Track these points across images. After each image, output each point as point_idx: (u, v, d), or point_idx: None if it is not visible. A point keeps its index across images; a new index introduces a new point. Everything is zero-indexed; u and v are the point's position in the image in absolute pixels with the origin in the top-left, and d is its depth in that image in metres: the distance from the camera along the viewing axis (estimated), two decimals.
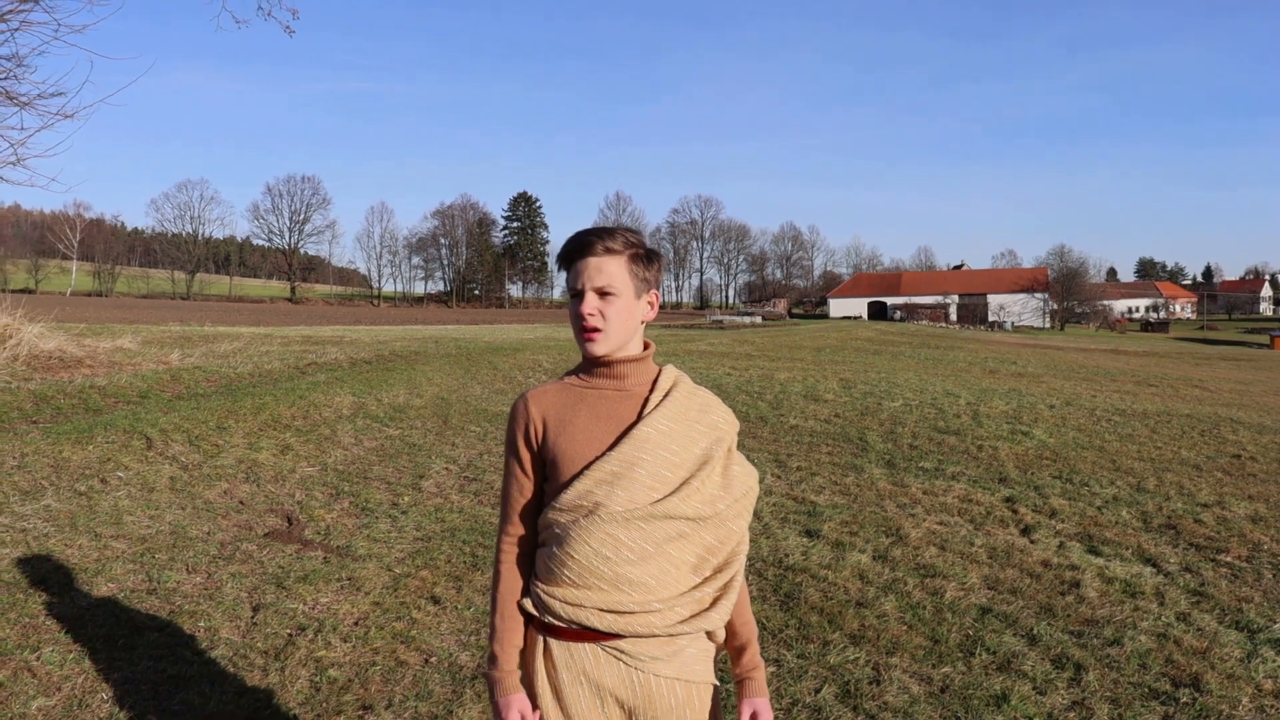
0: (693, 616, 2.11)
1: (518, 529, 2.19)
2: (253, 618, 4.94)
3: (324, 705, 4.05)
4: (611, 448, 2.10)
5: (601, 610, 2.06)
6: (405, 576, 5.62)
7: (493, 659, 2.14)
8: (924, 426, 11.44)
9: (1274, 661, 4.62)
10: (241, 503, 7.07)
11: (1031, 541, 6.59)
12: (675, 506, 2.08)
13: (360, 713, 4.01)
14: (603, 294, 2.12)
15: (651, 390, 2.19)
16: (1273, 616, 5.24)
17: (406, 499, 7.40)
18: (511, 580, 2.17)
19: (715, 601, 2.14)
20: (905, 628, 4.97)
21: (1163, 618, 5.18)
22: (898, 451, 9.84)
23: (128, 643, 4.54)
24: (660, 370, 2.24)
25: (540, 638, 2.14)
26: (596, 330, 2.12)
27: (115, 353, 14.19)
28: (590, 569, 2.06)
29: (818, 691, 4.22)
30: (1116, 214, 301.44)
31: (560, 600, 2.08)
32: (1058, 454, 9.89)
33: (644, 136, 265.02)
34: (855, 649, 4.68)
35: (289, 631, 4.78)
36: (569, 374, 2.25)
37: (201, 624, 4.82)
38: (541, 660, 2.13)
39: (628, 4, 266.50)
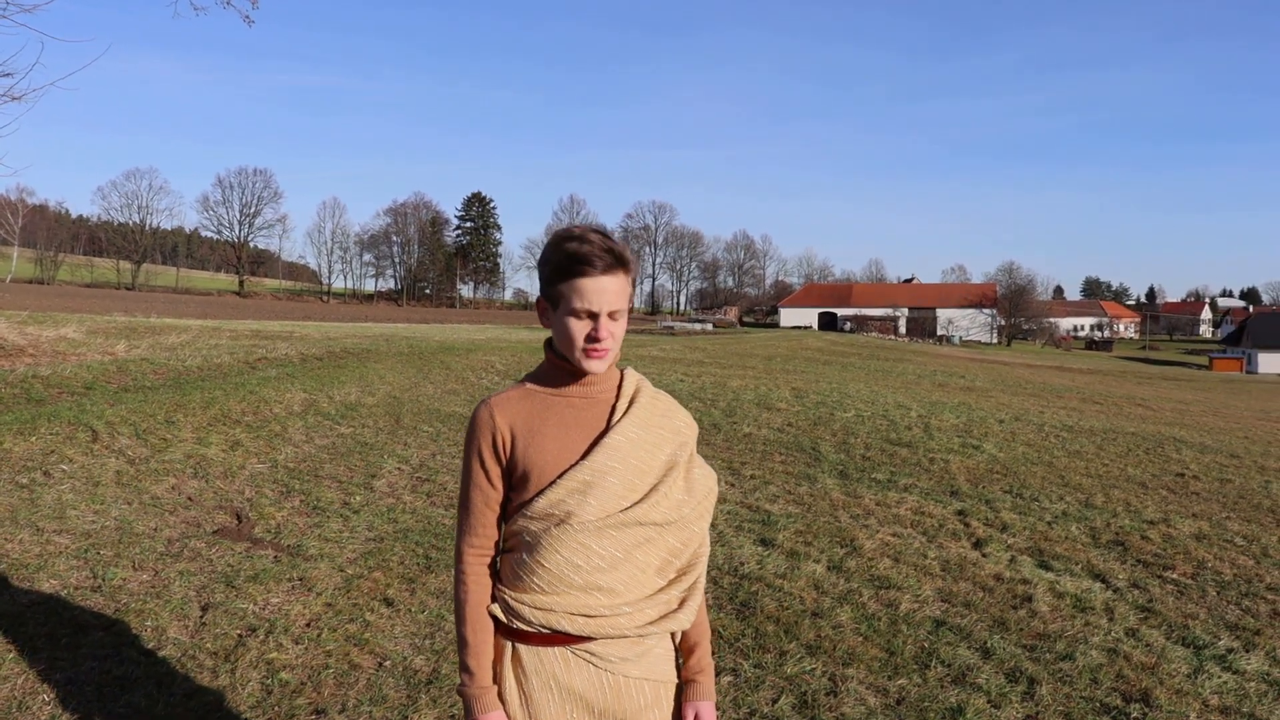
0: (661, 618, 2.13)
1: (482, 539, 2.15)
2: (201, 617, 4.84)
3: (276, 709, 3.97)
4: (584, 457, 2.09)
5: (572, 614, 2.06)
6: (358, 577, 5.53)
7: (468, 673, 2.10)
8: (876, 438, 11.53)
9: (1220, 678, 4.70)
10: (190, 499, 6.93)
11: (984, 555, 6.65)
12: (644, 513, 2.09)
13: (313, 717, 3.93)
14: (612, 315, 2.08)
15: (617, 397, 2.18)
16: (1217, 634, 5.32)
17: (358, 498, 7.30)
18: (480, 592, 2.13)
19: (682, 603, 2.16)
20: (861, 639, 4.99)
21: (1112, 633, 5.25)
22: (850, 462, 9.90)
23: (71, 642, 4.43)
24: (622, 375, 2.23)
25: (508, 644, 2.12)
26: (606, 351, 2.10)
27: (59, 342, 13.87)
28: (561, 577, 2.06)
29: (775, 702, 4.22)
30: (1065, 233, 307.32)
31: (530, 605, 2.07)
32: (1008, 468, 10.01)
33: (600, 140, 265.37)
34: (812, 659, 4.69)
35: (239, 632, 4.68)
36: (529, 379, 2.21)
37: (148, 623, 4.71)
38: (510, 666, 2.12)
39: (587, 8, 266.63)
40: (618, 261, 2.05)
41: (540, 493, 2.07)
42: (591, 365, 2.10)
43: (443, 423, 10.72)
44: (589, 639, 2.09)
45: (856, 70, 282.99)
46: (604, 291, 2.04)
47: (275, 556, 5.83)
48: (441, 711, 4.00)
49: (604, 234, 2.08)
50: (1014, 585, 5.99)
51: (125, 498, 6.76)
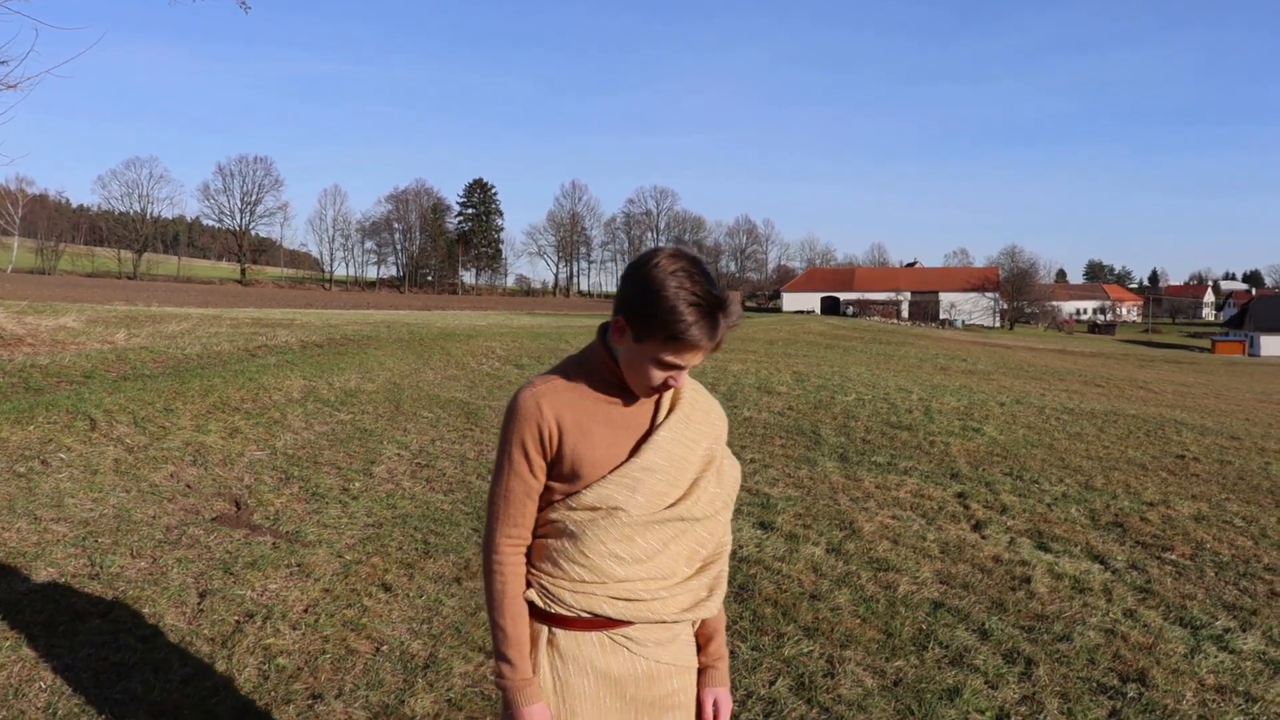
0: (694, 605, 2.15)
1: (520, 529, 2.11)
2: (199, 604, 4.84)
3: (273, 694, 3.97)
4: (633, 454, 2.09)
5: (614, 598, 2.07)
6: (356, 563, 5.54)
7: (509, 664, 2.07)
8: (876, 421, 11.52)
9: (1216, 657, 4.70)
10: (188, 486, 6.93)
11: (983, 537, 6.65)
12: (687, 509, 2.11)
13: (310, 702, 3.94)
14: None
15: (660, 393, 2.17)
16: (1214, 614, 5.32)
17: (357, 484, 7.30)
18: (518, 583, 2.10)
19: (711, 591, 2.19)
20: (859, 621, 4.99)
21: (1110, 614, 5.25)
22: (851, 445, 9.90)
23: (68, 629, 4.43)
24: None
25: (544, 628, 2.11)
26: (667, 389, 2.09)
27: (58, 331, 13.87)
28: (603, 567, 2.06)
29: (772, 684, 4.22)
30: (1068, 216, 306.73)
31: (569, 590, 2.07)
32: (1008, 451, 10.00)
33: (601, 126, 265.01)
34: (809, 642, 4.69)
35: (236, 618, 4.69)
36: (574, 366, 2.14)
37: (146, 610, 4.71)
38: (546, 650, 2.11)
39: None
40: (721, 335, 1.99)
41: (588, 486, 2.06)
42: (643, 393, 2.09)
43: (442, 409, 10.72)
44: (627, 623, 2.09)
45: (859, 54, 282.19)
46: (699, 356, 2.00)
47: (274, 543, 5.83)
48: (438, 695, 4.00)
49: (724, 303, 1.96)
50: (1013, 567, 5.99)
51: (123, 486, 6.76)
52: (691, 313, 1.92)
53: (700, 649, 2.27)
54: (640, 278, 1.96)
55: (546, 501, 2.12)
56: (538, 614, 2.11)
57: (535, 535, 2.15)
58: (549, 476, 2.10)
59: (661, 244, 2.19)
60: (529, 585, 2.11)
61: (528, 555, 2.14)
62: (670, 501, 2.09)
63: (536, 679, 2.08)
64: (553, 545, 2.10)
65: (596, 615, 2.07)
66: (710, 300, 1.93)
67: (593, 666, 2.09)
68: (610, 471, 2.06)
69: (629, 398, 2.12)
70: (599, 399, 2.10)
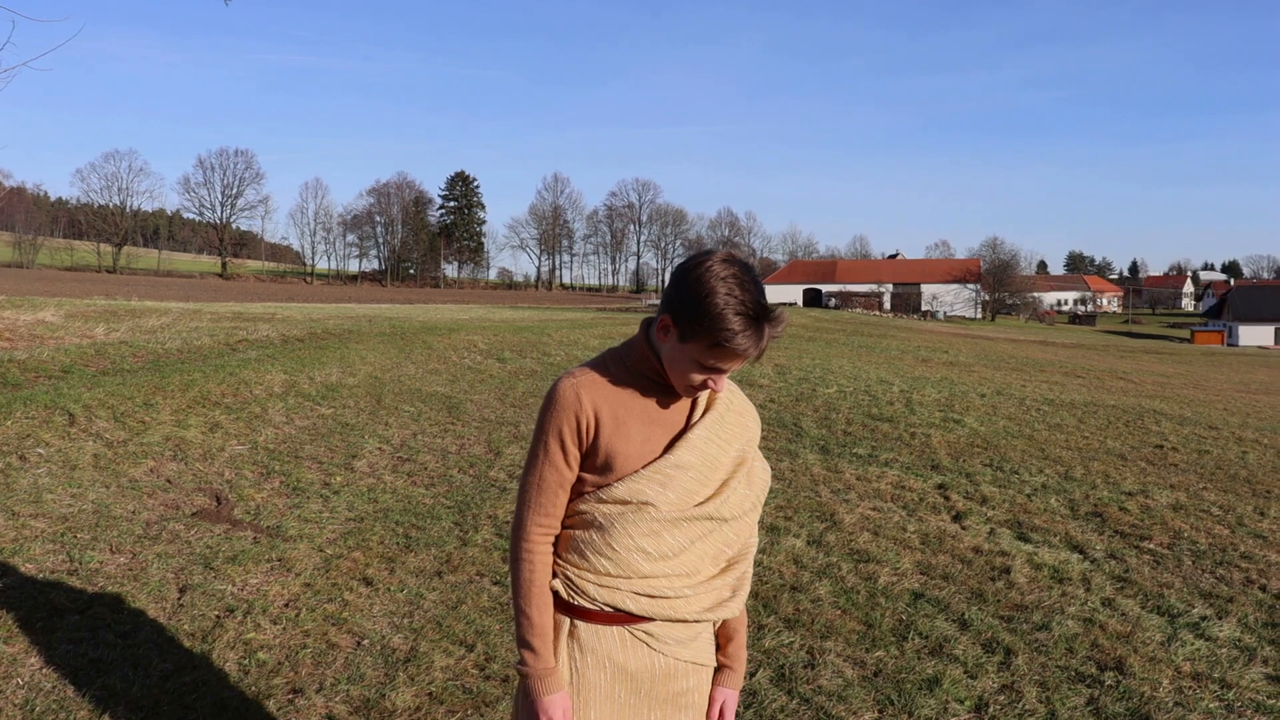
0: (716, 605, 2.15)
1: (551, 519, 2.11)
2: (179, 599, 4.82)
3: (253, 689, 3.96)
4: (667, 450, 2.09)
5: (638, 594, 2.07)
6: (337, 557, 5.53)
7: (532, 652, 2.07)
8: (858, 413, 11.56)
9: (1192, 645, 4.74)
10: (169, 481, 6.90)
11: (963, 528, 6.68)
12: (715, 508, 2.11)
13: (290, 696, 3.93)
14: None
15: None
16: (1191, 602, 5.37)
17: (338, 479, 7.28)
18: (545, 571, 2.10)
19: (734, 592, 2.19)
20: (839, 612, 5.01)
21: (1089, 603, 5.29)
22: (832, 438, 9.93)
23: (46, 626, 4.41)
24: None
25: (565, 620, 2.11)
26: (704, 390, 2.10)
27: (36, 326, 13.77)
28: (629, 561, 2.06)
29: (753, 675, 4.24)
30: (1048, 208, 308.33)
31: (595, 584, 2.07)
32: (989, 442, 10.05)
33: (584, 119, 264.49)
34: (790, 633, 4.71)
35: (217, 613, 4.67)
36: (614, 360, 2.14)
37: (125, 606, 4.69)
38: (566, 642, 2.11)
39: None
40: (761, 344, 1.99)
41: (620, 480, 2.06)
42: (686, 395, 2.10)
43: (424, 403, 10.69)
44: (649, 620, 2.09)
45: (839, 45, 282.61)
46: (740, 362, 2.00)
47: (254, 538, 5.81)
48: (419, 689, 4.00)
49: (772, 318, 1.96)
50: (992, 557, 6.02)
51: (103, 481, 6.72)
52: (739, 321, 1.92)
53: (719, 648, 2.28)
54: (691, 281, 1.96)
55: (577, 493, 2.12)
56: (561, 605, 2.11)
57: (563, 526, 2.15)
58: (581, 467, 2.10)
59: (713, 248, 2.17)
60: (554, 575, 2.11)
61: (554, 545, 2.14)
62: (700, 500, 2.10)
63: (558, 668, 2.08)
64: (580, 537, 2.10)
65: (619, 610, 2.08)
66: (758, 310, 1.93)
67: (611, 660, 2.09)
68: (643, 466, 2.06)
69: (666, 394, 2.12)
70: (636, 394, 2.10)
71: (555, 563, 2.12)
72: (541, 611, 2.07)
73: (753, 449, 2.22)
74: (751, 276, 1.96)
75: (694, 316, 1.94)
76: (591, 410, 2.05)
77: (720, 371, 2.01)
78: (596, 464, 2.07)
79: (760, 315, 1.94)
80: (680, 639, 2.13)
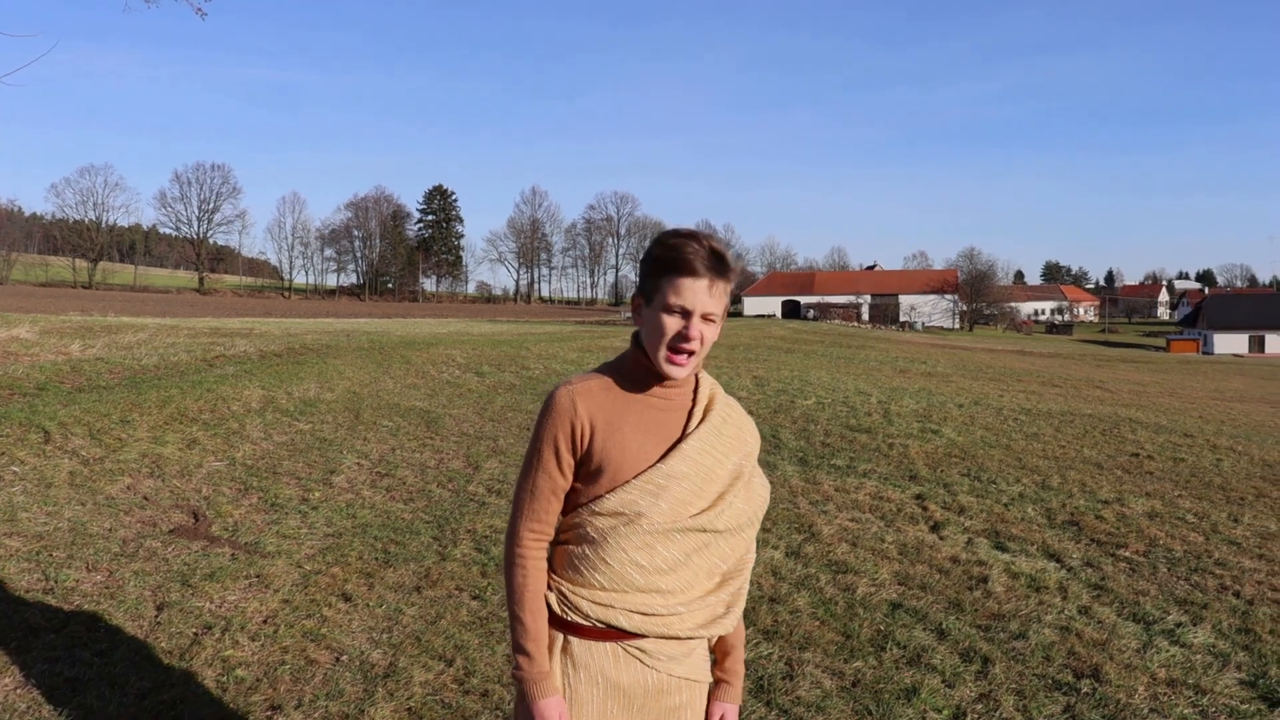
0: (710, 622, 2.16)
1: (544, 525, 2.13)
2: (156, 617, 4.80)
3: (231, 706, 3.94)
4: (660, 460, 2.10)
5: (631, 611, 2.08)
6: (315, 573, 5.51)
7: (527, 657, 2.08)
8: (836, 424, 11.61)
9: (1167, 652, 4.79)
10: (145, 498, 6.86)
11: (941, 538, 6.72)
12: (710, 520, 2.12)
13: (269, 713, 3.91)
14: (706, 318, 2.06)
15: (694, 403, 2.18)
16: (1167, 609, 5.42)
17: (317, 494, 7.26)
18: (539, 577, 2.11)
19: (729, 608, 2.19)
20: (818, 623, 5.03)
21: (1065, 611, 5.34)
22: (810, 449, 9.97)
23: (21, 645, 4.37)
24: (698, 380, 2.22)
25: (559, 635, 2.12)
26: (691, 355, 2.08)
27: (10, 343, 13.66)
28: (623, 575, 2.07)
29: None
30: (1024, 218, 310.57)
31: (589, 600, 2.08)
32: (966, 452, 10.11)
33: (562, 131, 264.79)
34: (769, 644, 4.73)
35: (194, 631, 4.65)
36: (609, 370, 2.17)
37: (102, 624, 4.66)
38: (559, 657, 2.12)
39: None
40: (720, 267, 2.04)
41: (612, 490, 2.07)
42: (672, 371, 2.08)
43: (402, 417, 10.67)
44: (642, 636, 2.10)
45: (816, 58, 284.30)
46: (701, 292, 2.02)
47: (232, 554, 5.79)
48: (398, 704, 3.99)
49: (711, 238, 2.05)
50: (970, 567, 6.06)
51: (79, 498, 6.68)
52: (681, 242, 2.03)
53: (716, 663, 2.30)
54: (644, 252, 2.12)
55: (571, 505, 2.13)
56: (555, 621, 2.12)
57: (558, 542, 2.16)
58: (576, 476, 2.12)
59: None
60: (549, 589, 2.13)
61: (550, 561, 2.16)
62: (694, 511, 2.10)
63: (552, 673, 2.09)
64: (574, 552, 2.11)
65: (612, 627, 2.09)
66: (698, 233, 2.05)
67: (603, 676, 2.10)
68: (635, 476, 2.07)
69: (663, 404, 2.14)
70: (632, 402, 2.12)
71: (550, 578, 2.14)
72: (534, 616, 2.09)
73: (751, 463, 2.24)
74: (689, 230, 2.07)
75: (648, 268, 2.07)
76: (587, 418, 2.07)
77: (688, 314, 2.03)
78: (589, 471, 2.09)
79: (702, 237, 2.04)
80: (673, 655, 2.14)
